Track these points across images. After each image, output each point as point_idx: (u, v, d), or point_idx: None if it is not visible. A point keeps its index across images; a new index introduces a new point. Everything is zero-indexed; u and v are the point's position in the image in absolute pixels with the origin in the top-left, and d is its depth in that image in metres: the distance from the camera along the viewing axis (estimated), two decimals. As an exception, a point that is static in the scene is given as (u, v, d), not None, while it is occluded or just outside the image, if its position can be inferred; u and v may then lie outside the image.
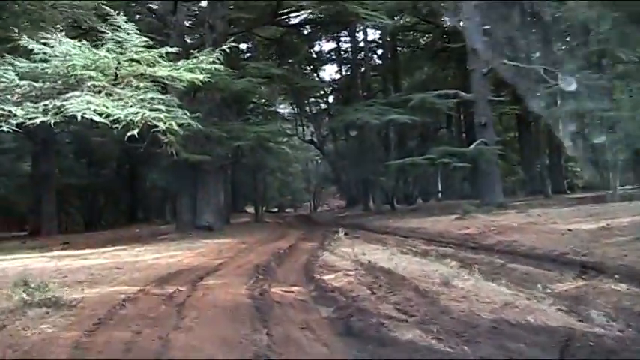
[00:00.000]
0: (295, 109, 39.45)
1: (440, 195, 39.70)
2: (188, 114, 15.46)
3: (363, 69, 35.12)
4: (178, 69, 15.78)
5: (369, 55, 34.78)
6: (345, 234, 17.05)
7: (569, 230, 12.94)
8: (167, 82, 16.22)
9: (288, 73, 25.05)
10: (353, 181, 37.10)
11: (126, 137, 13.58)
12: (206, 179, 21.73)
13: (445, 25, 32.09)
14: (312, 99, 38.99)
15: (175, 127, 14.78)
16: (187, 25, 24.62)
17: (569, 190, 32.93)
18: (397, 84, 34.25)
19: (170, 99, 15.42)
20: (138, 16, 23.07)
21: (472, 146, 22.73)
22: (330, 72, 39.78)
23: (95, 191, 38.58)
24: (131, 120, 13.70)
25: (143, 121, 14.27)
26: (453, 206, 26.36)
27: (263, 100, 30.84)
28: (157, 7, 23.70)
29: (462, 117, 36.46)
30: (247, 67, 21.39)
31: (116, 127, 13.50)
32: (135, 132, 13.59)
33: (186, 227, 21.85)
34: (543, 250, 11.24)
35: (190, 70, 16.23)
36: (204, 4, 24.61)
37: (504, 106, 30.39)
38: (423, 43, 36.49)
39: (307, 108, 39.11)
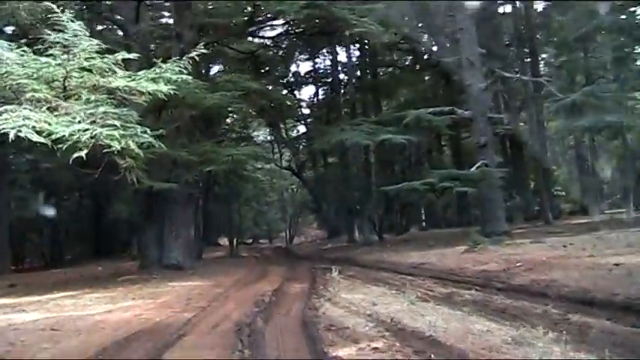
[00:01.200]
0: (271, 134, 36.70)
1: (424, 224, 37.27)
2: (149, 132, 12.86)
3: (343, 90, 32.63)
4: (139, 79, 13.21)
5: (353, 71, 31.91)
6: (338, 272, 14.46)
7: (615, 265, 10.46)
8: (125, 95, 13.65)
9: (265, 89, 22.45)
10: (334, 210, 34.49)
11: (71, 160, 11.04)
12: (174, 210, 18.90)
13: (431, 41, 29.92)
14: (290, 121, 36.55)
15: (134, 148, 12.16)
16: (153, 37, 21.91)
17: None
18: (379, 104, 31.78)
19: (127, 113, 12.75)
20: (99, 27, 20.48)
21: (473, 168, 20.26)
22: (307, 94, 36.98)
23: (56, 225, 35.37)
24: (78, 139, 11.09)
25: (94, 141, 11.66)
26: (447, 236, 23.99)
27: (237, 122, 27.99)
28: (117, 16, 20.96)
29: (443, 140, 34.25)
30: (220, 82, 18.71)
31: (60, 148, 10.98)
32: (82, 153, 11.00)
33: (152, 266, 19.00)
34: (602, 294, 8.76)
35: (153, 81, 13.68)
36: (170, 12, 22.00)
37: (497, 127, 28.20)
38: (407, 61, 34.08)
39: (284, 132, 36.52)
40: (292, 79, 34.81)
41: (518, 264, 12.58)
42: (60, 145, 10.88)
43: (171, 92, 13.29)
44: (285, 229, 52.96)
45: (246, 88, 18.85)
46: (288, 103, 31.32)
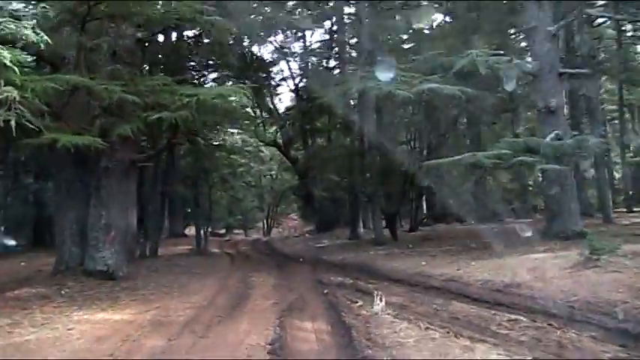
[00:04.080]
0: (255, 103, 29.27)
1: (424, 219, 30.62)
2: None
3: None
4: None
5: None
6: (380, 299, 8.08)
7: None
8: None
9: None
10: (330, 198, 27.77)
11: None
12: (104, 186, 12.11)
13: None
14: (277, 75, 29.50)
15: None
16: None
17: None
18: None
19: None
20: None
21: (547, 139, 13.90)
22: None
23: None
24: None
25: None
26: (478, 234, 17.80)
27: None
28: None
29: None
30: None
31: None
32: None
33: (70, 271, 12.38)
34: None
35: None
36: None
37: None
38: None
39: (270, 101, 29.53)
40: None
41: None
42: None
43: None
44: (263, 220, 46.72)
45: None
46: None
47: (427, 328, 6.88)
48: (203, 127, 15.53)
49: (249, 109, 23.95)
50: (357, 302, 8.89)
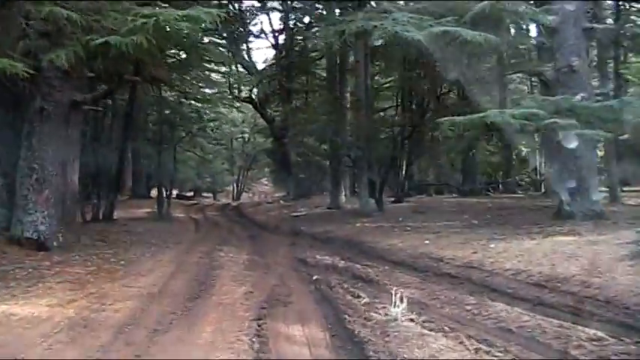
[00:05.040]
0: (229, 51, 26.26)
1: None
2: None
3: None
4: None
5: None
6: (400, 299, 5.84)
7: None
8: None
9: None
10: (309, 163, 25.47)
11: None
12: (38, 133, 9.63)
13: None
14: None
15: None
16: None
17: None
18: None
19: None
20: None
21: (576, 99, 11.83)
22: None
23: None
24: None
25: None
26: (472, 208, 15.96)
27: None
28: None
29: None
30: None
31: None
32: None
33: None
34: None
35: None
36: None
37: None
38: None
39: (246, 52, 26.85)
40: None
41: None
42: None
43: None
44: (233, 184, 45.17)
45: None
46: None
47: (477, 349, 4.68)
48: (167, 66, 13.00)
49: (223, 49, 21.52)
50: (360, 297, 6.70)
